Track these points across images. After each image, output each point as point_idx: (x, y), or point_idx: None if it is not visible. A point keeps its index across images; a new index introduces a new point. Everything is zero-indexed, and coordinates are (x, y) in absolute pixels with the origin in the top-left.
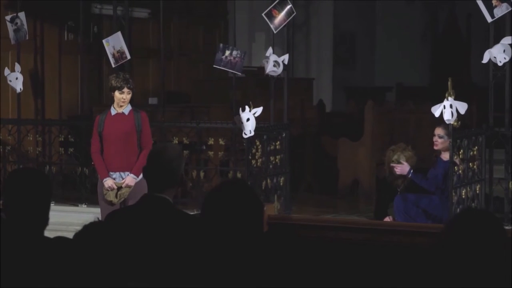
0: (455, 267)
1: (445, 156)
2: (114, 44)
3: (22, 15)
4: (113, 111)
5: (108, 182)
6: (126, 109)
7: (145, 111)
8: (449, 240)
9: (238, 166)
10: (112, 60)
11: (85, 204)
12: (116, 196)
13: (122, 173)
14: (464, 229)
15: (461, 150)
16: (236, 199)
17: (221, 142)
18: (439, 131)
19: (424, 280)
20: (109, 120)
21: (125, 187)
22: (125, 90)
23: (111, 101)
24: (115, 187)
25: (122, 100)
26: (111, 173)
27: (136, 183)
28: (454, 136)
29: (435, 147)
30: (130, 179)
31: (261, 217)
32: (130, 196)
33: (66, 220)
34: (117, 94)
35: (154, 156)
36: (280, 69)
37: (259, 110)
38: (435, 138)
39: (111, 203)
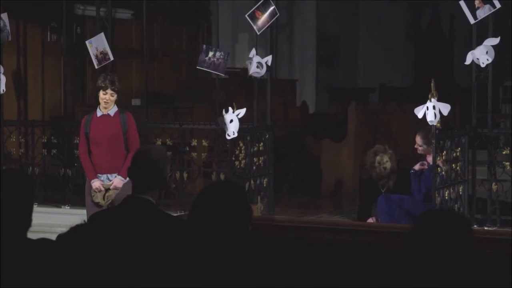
0: (422, 268)
1: (430, 159)
2: (97, 45)
3: (4, 16)
4: (98, 113)
5: (96, 184)
6: (112, 110)
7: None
8: (414, 241)
9: (222, 167)
10: (95, 61)
11: (68, 206)
12: (103, 198)
13: (109, 175)
14: (428, 230)
15: (444, 152)
16: (227, 201)
17: (204, 143)
18: (418, 140)
19: (402, 281)
20: (95, 122)
21: (113, 188)
22: (109, 91)
23: (95, 101)
24: (103, 188)
25: (105, 100)
26: (99, 175)
27: (124, 185)
28: (437, 138)
29: (418, 152)
30: (117, 180)
31: (248, 220)
32: (117, 197)
33: (49, 221)
34: (101, 94)
35: (139, 157)
36: (263, 70)
37: (242, 111)
38: (416, 146)
39: (98, 204)
